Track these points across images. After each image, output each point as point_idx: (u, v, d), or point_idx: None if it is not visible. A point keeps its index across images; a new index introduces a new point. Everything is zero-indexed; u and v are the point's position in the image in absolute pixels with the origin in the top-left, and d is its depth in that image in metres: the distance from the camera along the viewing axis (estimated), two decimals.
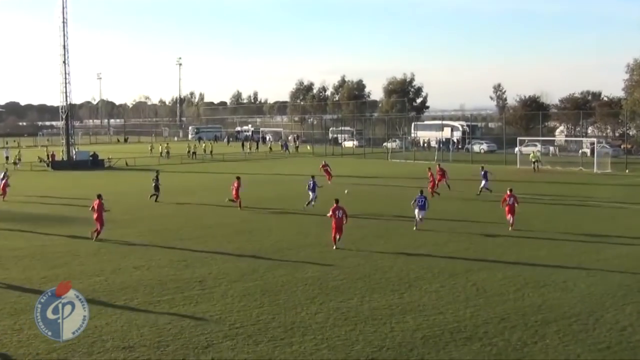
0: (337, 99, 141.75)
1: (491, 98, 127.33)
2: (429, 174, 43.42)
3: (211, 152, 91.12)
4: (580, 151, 75.40)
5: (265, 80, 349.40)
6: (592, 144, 73.57)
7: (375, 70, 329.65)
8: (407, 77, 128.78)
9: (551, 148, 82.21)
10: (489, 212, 35.10)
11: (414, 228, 29.74)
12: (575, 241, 27.20)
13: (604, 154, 68.16)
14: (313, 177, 38.67)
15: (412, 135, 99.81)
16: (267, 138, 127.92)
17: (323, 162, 53.62)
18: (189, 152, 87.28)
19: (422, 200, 29.81)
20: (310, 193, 37.58)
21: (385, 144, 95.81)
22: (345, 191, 37.58)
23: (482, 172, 43.29)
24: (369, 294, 19.46)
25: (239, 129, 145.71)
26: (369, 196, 43.17)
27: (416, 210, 29.94)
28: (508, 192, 30.17)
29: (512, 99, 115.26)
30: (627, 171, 57.47)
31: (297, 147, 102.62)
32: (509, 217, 29.78)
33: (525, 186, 46.64)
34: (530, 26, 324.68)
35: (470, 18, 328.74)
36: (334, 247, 25.73)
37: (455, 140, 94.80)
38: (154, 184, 41.67)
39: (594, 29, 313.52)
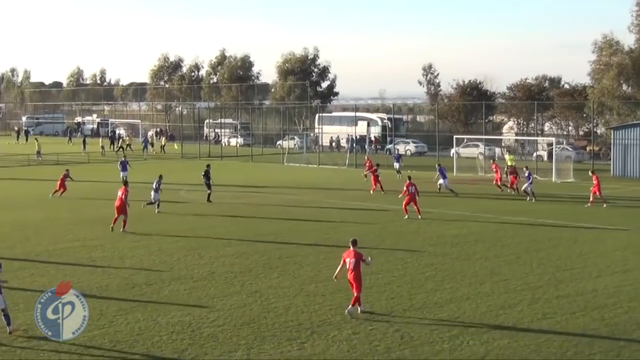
0: (214, 81, 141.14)
1: (420, 83, 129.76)
2: (494, 166, 55.69)
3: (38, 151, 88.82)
4: (535, 154, 77.48)
5: (117, 54, 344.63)
6: (550, 145, 75.34)
7: (266, 44, 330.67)
8: (309, 54, 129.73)
9: (497, 150, 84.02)
10: (416, 232, 35.86)
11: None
12: (527, 273, 27.93)
13: (565, 158, 70.43)
14: (161, 176, 44.69)
15: (316, 130, 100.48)
16: (118, 133, 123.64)
17: (366, 157, 64.29)
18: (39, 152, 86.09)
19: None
20: (153, 193, 43.17)
21: (280, 142, 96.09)
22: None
23: (439, 169, 50.49)
24: (257, 345, 19.48)
25: (79, 119, 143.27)
26: (257, 213, 43.31)
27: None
28: (408, 181, 40.32)
29: (446, 85, 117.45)
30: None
31: (163, 146, 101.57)
32: (410, 206, 39.99)
33: (466, 199, 47.74)
34: None
35: None
36: (356, 310, 22.55)
37: (373, 139, 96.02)
38: (204, 181, 47.57)
39: None
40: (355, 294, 22.19)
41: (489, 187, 54.87)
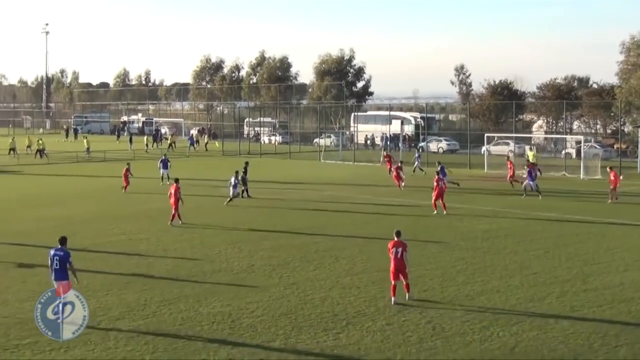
0: (254, 81, 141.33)
1: (452, 83, 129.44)
2: (509, 163, 54.36)
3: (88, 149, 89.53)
4: (563, 152, 76.88)
5: (161, 56, 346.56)
6: (579, 143, 74.81)
7: (304, 45, 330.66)
8: (345, 55, 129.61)
9: (527, 148, 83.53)
10: (448, 228, 35.72)
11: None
12: (556, 267, 27.79)
13: (592, 155, 69.74)
14: (237, 172, 45.75)
15: (352, 129, 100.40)
16: (163, 131, 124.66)
17: (384, 154, 65.39)
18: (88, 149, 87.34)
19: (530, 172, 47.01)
20: (232, 189, 43.99)
21: (316, 140, 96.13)
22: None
23: (439, 167, 48.47)
24: (294, 335, 19.53)
25: (125, 118, 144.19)
26: (294, 208, 43.37)
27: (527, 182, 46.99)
28: (437, 177, 40.47)
29: (478, 85, 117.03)
30: (621, 177, 59.19)
31: (206, 144, 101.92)
32: (438, 201, 40.09)
33: (495, 196, 47.48)
34: None
35: None
36: (392, 302, 22.67)
37: (407, 137, 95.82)
38: (241, 177, 46.58)
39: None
40: (405, 282, 22.78)
41: (518, 183, 54.61)
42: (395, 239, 23.04)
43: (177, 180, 38.89)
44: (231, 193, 44.04)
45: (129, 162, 56.09)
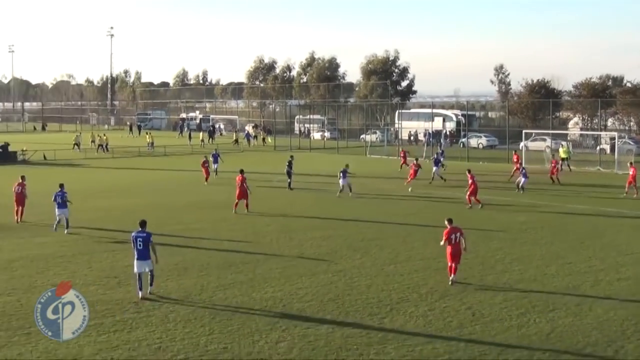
0: (304, 80, 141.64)
1: (492, 82, 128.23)
2: (515, 158, 54.97)
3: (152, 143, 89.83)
4: (598, 147, 76.19)
5: (217, 56, 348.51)
6: (613, 139, 73.94)
7: (351, 46, 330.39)
8: (390, 55, 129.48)
9: (563, 143, 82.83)
10: (487, 219, 35.51)
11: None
12: (590, 257, 27.53)
13: (626, 151, 69.00)
14: (347, 165, 46.51)
15: (396, 125, 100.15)
16: (218, 126, 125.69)
17: (401, 150, 63.53)
18: (151, 143, 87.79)
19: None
20: (341, 181, 44.79)
21: (363, 136, 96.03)
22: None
23: (434, 157, 52.31)
24: (342, 319, 19.56)
25: (183, 115, 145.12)
26: (341, 200, 43.37)
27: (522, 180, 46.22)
28: (470, 173, 40.77)
29: (516, 84, 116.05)
30: None
31: (263, 139, 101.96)
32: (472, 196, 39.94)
33: (532, 190, 47.08)
34: None
35: None
36: (450, 283, 23.31)
37: (448, 133, 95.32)
38: (287, 170, 47.96)
39: (615, 1, 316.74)
40: (455, 265, 23.35)
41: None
42: (450, 226, 23.53)
43: (242, 172, 39.04)
44: (341, 184, 44.70)
45: (206, 155, 56.31)
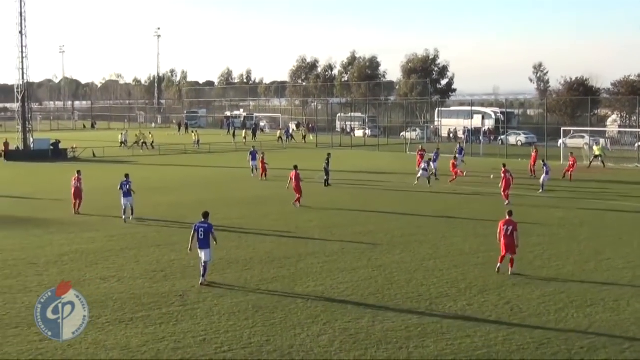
0: (346, 79, 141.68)
1: (530, 80, 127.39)
2: (571, 159, 52.08)
3: (198, 141, 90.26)
4: (636, 145, 75.28)
5: (261, 56, 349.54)
6: None
7: (392, 46, 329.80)
8: (430, 54, 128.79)
9: (602, 141, 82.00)
10: (525, 215, 35.20)
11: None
12: (629, 253, 27.21)
13: None
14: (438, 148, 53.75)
15: (436, 123, 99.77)
16: (262, 125, 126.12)
17: (420, 147, 61.64)
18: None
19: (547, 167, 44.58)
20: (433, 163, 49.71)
21: (403, 133, 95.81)
22: (491, 176, 48.18)
23: (434, 153, 53.61)
24: (382, 313, 19.56)
25: (228, 113, 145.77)
26: (382, 196, 43.32)
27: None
28: (504, 168, 40.24)
29: (555, 82, 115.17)
30: None
31: (304, 137, 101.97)
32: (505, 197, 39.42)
33: (571, 186, 46.63)
34: None
35: None
36: (497, 270, 24.02)
37: (487, 130, 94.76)
38: (324, 167, 48.25)
39: None
40: (511, 257, 23.77)
41: (594, 173, 53.58)
42: (506, 217, 24.11)
43: (295, 167, 39.63)
44: (420, 174, 47.81)
45: (264, 151, 56.40)
